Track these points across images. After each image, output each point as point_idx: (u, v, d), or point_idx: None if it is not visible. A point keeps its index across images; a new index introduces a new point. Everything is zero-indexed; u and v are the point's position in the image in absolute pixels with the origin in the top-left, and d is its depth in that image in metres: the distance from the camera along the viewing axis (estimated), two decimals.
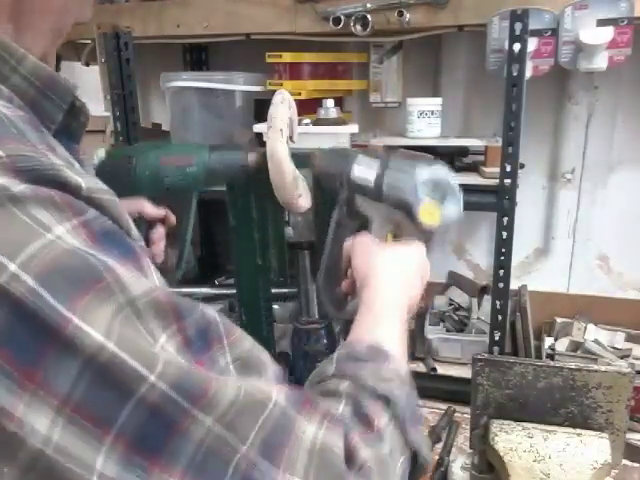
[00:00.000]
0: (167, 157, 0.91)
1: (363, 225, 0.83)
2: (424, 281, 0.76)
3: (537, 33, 1.14)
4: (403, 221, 0.77)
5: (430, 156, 0.78)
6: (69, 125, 0.47)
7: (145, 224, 0.87)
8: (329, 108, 1.30)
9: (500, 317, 1.22)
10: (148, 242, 0.88)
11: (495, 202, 1.17)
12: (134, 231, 0.43)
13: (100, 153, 0.90)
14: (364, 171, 0.80)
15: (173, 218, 0.91)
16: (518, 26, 1.06)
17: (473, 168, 1.35)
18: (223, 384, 0.38)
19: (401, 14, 1.20)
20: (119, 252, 0.38)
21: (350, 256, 0.76)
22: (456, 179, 0.77)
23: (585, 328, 1.45)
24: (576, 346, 1.40)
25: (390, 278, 0.69)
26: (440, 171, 0.76)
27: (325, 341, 1.13)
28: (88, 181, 0.39)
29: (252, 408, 0.39)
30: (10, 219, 0.34)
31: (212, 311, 0.42)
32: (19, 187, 0.34)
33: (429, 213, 0.74)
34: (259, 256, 1.14)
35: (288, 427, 0.40)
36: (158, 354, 0.36)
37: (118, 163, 0.88)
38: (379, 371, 0.53)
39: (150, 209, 0.87)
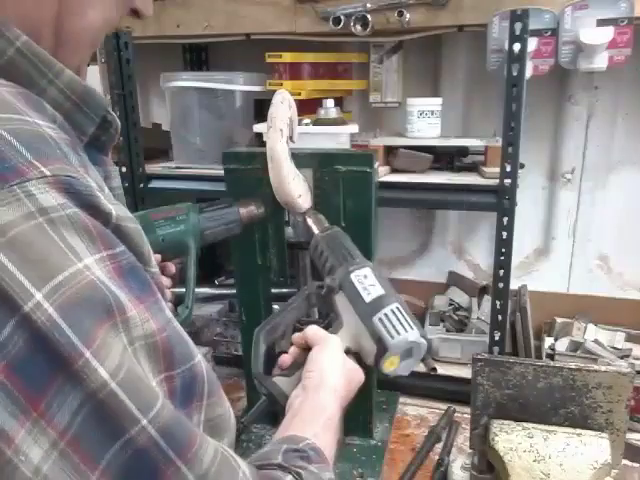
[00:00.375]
0: (157, 213, 0.96)
1: (327, 313, 0.82)
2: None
3: (537, 33, 1.14)
4: (366, 346, 0.76)
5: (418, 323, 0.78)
6: (99, 138, 0.48)
7: None
8: (329, 108, 1.30)
9: (500, 317, 1.22)
10: None
11: (495, 202, 1.17)
12: (152, 259, 0.45)
13: None
14: (363, 283, 0.78)
15: (171, 267, 0.92)
16: (518, 26, 1.06)
17: (473, 168, 1.35)
18: (205, 442, 0.39)
19: (401, 14, 1.20)
20: (138, 288, 0.39)
21: (312, 345, 0.75)
22: (426, 345, 0.76)
23: (585, 328, 1.45)
24: (576, 346, 1.40)
25: (340, 395, 0.70)
26: (424, 344, 0.76)
27: None
28: (117, 209, 0.41)
29: (228, 474, 0.40)
30: (46, 242, 0.35)
31: (203, 366, 0.43)
32: (60, 212, 0.36)
33: (390, 362, 0.74)
34: (259, 256, 1.14)
35: None
36: (152, 399, 0.37)
37: None
38: (320, 475, 0.54)
39: None
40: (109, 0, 0.49)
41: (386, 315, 0.74)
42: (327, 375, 0.70)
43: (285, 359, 0.77)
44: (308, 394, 0.68)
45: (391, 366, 0.74)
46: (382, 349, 0.73)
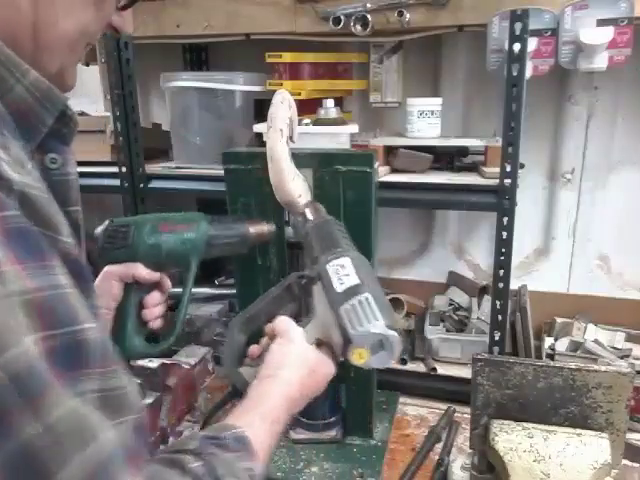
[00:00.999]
0: (166, 224, 0.93)
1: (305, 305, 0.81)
2: (314, 395, 0.75)
3: (537, 33, 1.14)
4: (334, 338, 0.73)
5: (394, 314, 0.73)
6: (60, 130, 0.53)
7: (139, 288, 0.88)
8: (329, 108, 1.30)
9: (500, 317, 1.22)
10: (142, 306, 0.89)
11: (495, 202, 1.17)
12: (65, 229, 0.47)
13: (105, 222, 0.91)
14: (338, 273, 0.75)
15: (169, 283, 0.92)
16: (518, 26, 1.06)
17: (473, 168, 1.35)
18: (62, 399, 0.40)
19: (401, 14, 1.20)
20: (23, 250, 0.42)
21: (276, 335, 0.75)
22: (399, 342, 0.72)
23: (585, 328, 1.45)
24: (576, 346, 1.40)
25: (293, 388, 0.70)
26: (392, 336, 0.71)
27: None
28: (25, 178, 0.44)
29: (80, 435, 0.40)
30: None
31: (95, 335, 0.44)
32: None
33: (359, 354, 0.71)
34: (259, 256, 1.14)
35: (110, 474, 0.41)
36: (10, 345, 0.38)
37: (117, 230, 0.90)
38: (234, 464, 0.54)
39: (143, 272, 0.88)
40: (85, 13, 0.53)
41: (353, 306, 0.71)
42: (280, 367, 0.70)
43: (254, 350, 0.78)
44: (257, 384, 0.69)
45: (360, 359, 0.71)
46: (346, 341, 0.71)
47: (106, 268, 0.87)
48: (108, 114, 1.43)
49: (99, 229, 0.90)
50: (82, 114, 1.69)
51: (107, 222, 0.91)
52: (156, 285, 0.90)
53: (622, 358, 1.36)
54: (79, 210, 0.55)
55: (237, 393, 0.74)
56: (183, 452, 0.53)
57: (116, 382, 0.45)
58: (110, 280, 0.86)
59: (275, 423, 0.65)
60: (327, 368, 0.75)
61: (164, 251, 0.90)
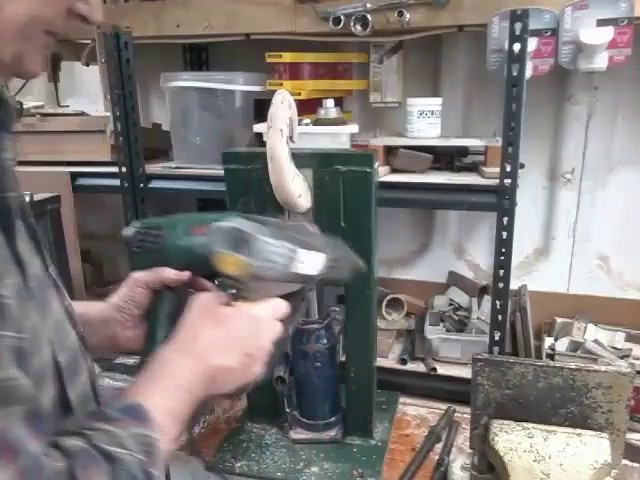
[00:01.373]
0: (198, 226, 0.87)
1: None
2: (259, 343, 0.71)
3: (537, 33, 1.14)
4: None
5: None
6: None
7: (171, 294, 0.84)
8: (329, 108, 1.30)
9: (500, 317, 1.22)
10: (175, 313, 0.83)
11: (495, 202, 1.17)
12: None
13: (135, 224, 0.87)
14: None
15: (206, 283, 0.87)
16: (518, 26, 1.06)
17: (473, 168, 1.35)
18: None
19: (401, 14, 1.20)
20: None
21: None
22: (254, 229, 0.69)
23: (585, 328, 1.45)
24: (576, 346, 1.40)
25: (194, 341, 0.68)
26: (231, 222, 0.70)
27: (325, 341, 1.13)
28: None
29: None
30: None
31: None
32: None
33: (228, 262, 0.69)
34: None
35: None
36: None
37: (148, 234, 0.86)
38: (118, 434, 0.53)
39: (171, 275, 0.83)
40: None
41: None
42: (175, 333, 0.69)
43: None
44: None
45: (228, 264, 0.69)
46: (210, 258, 0.70)
47: (132, 274, 0.84)
48: (108, 114, 1.43)
49: (129, 231, 0.86)
50: (82, 114, 1.69)
51: (137, 224, 0.87)
52: (190, 286, 0.86)
53: (622, 358, 1.36)
54: (15, 195, 0.55)
55: None
56: (69, 434, 0.52)
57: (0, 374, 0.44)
58: (136, 287, 0.83)
59: (171, 377, 0.63)
60: (246, 314, 0.72)
61: (196, 254, 0.85)
